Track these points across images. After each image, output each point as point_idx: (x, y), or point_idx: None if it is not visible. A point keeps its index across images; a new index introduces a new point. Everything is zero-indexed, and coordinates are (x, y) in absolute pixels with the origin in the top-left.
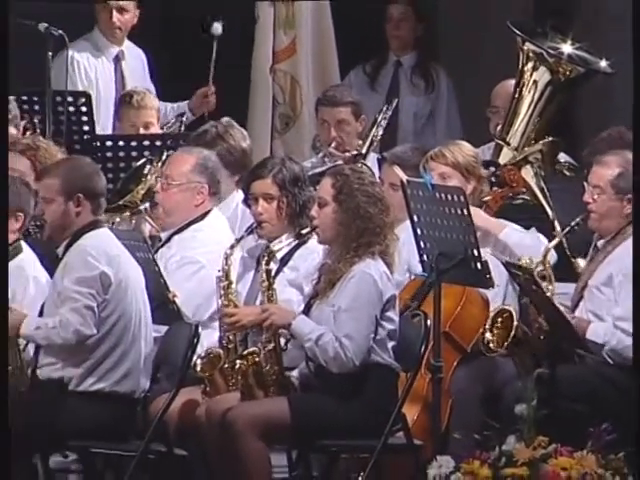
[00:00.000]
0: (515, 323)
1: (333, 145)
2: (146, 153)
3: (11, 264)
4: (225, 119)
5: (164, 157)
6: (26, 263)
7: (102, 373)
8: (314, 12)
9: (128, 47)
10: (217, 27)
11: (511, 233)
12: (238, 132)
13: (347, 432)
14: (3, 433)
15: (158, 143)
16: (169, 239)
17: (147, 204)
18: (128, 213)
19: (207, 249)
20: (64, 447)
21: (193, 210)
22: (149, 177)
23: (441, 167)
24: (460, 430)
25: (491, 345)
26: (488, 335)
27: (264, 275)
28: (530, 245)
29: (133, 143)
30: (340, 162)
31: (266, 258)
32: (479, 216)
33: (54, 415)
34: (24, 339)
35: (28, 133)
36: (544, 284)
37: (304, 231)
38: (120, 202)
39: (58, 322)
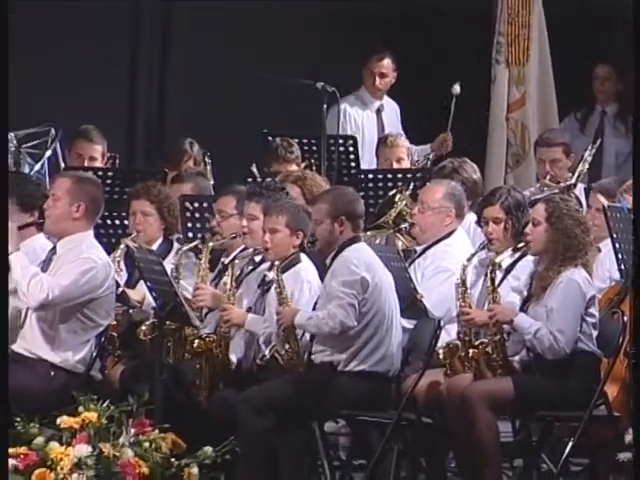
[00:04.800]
0: None
1: (548, 178)
2: (399, 184)
3: (291, 270)
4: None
5: (411, 187)
6: (303, 270)
7: (363, 357)
8: (540, 72)
9: (387, 101)
10: (456, 88)
11: None
12: (470, 167)
13: (560, 405)
14: (2, 431)
15: (409, 176)
16: (424, 252)
17: (406, 224)
18: (391, 231)
19: (455, 260)
20: (335, 415)
21: (443, 229)
22: (399, 203)
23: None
24: None
25: None
26: None
27: (489, 281)
28: None
29: (389, 176)
30: (555, 191)
31: (491, 268)
32: None
33: (327, 390)
34: (298, 328)
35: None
36: None
37: (519, 245)
38: (377, 222)
39: (327, 314)
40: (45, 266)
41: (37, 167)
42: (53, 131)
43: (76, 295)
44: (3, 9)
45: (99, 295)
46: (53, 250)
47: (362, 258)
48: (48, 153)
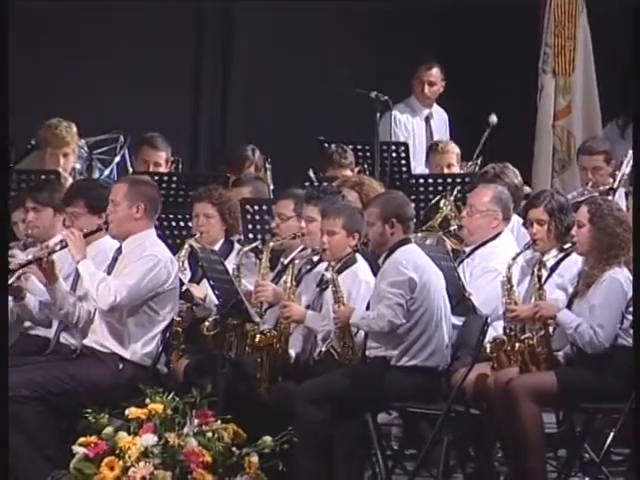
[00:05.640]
0: None
1: (590, 185)
2: (448, 188)
3: (348, 271)
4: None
5: (455, 192)
6: (360, 270)
7: (414, 352)
8: (584, 82)
9: (436, 109)
10: (493, 119)
11: None
12: (511, 172)
13: (601, 397)
14: (3, 429)
15: (458, 180)
16: (472, 252)
17: (455, 226)
18: (440, 233)
19: (502, 260)
20: (388, 407)
21: (490, 231)
22: (444, 208)
23: None
24: None
25: None
26: None
27: (536, 279)
28: None
29: (439, 180)
30: (596, 194)
31: (537, 267)
32: None
33: (380, 383)
34: (353, 326)
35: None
36: None
37: (566, 246)
38: (424, 227)
39: (376, 315)
40: (112, 266)
41: (107, 172)
42: (122, 138)
43: (142, 293)
44: (3, 9)
45: (164, 289)
46: (119, 250)
47: (411, 259)
48: (117, 159)
